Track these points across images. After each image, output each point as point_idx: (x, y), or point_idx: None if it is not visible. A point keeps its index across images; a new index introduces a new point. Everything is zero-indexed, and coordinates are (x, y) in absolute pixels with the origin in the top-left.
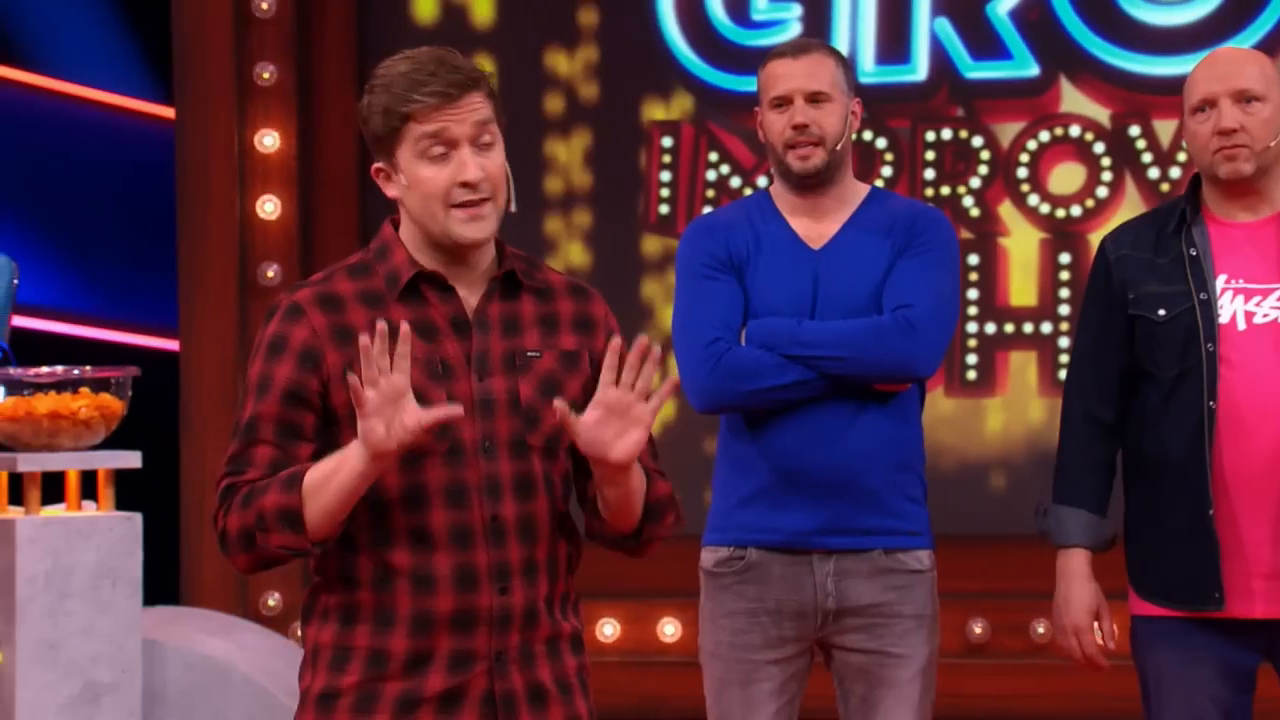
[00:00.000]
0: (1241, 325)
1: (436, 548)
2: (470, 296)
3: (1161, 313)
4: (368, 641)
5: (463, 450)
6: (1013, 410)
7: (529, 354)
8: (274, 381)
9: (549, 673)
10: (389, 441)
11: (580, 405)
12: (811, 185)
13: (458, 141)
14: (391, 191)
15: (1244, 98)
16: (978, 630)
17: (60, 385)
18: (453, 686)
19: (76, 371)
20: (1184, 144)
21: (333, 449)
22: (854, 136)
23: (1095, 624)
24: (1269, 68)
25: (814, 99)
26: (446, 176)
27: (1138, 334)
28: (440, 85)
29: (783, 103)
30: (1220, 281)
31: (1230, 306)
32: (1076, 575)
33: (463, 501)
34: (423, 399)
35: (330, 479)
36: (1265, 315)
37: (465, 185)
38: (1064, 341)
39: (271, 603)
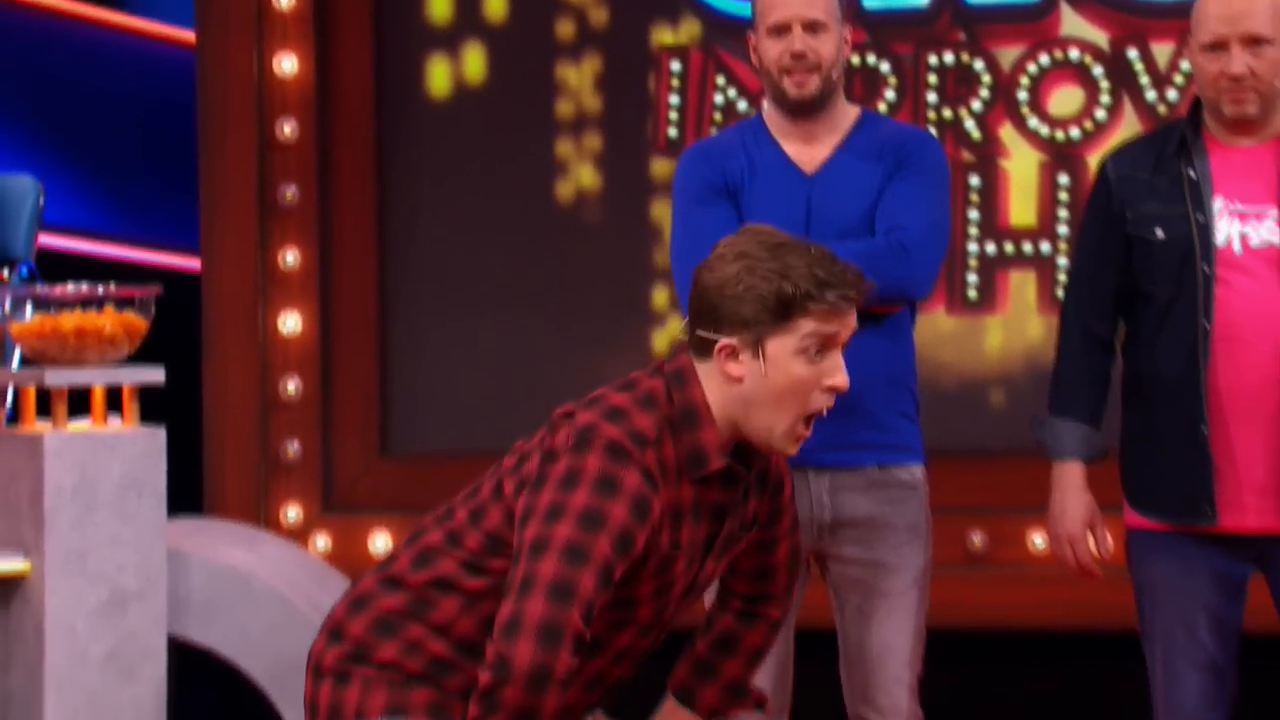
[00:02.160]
0: (1238, 248)
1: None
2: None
3: (1159, 233)
4: None
5: (658, 615)
6: (1012, 328)
7: (740, 538)
8: (632, 545)
9: None
10: None
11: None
12: (806, 111)
13: (834, 346)
14: (736, 371)
15: (1253, 40)
16: (976, 542)
17: (85, 303)
18: None
19: (101, 289)
20: (1181, 65)
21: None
22: (850, 62)
23: (1090, 534)
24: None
25: (811, 27)
26: (814, 377)
27: (1135, 254)
28: (849, 291)
29: (780, 30)
30: (1218, 204)
31: (1227, 229)
32: (1071, 487)
33: (632, 661)
34: (666, 573)
35: None
36: (1261, 238)
37: (831, 391)
38: (1063, 261)
39: (291, 515)
